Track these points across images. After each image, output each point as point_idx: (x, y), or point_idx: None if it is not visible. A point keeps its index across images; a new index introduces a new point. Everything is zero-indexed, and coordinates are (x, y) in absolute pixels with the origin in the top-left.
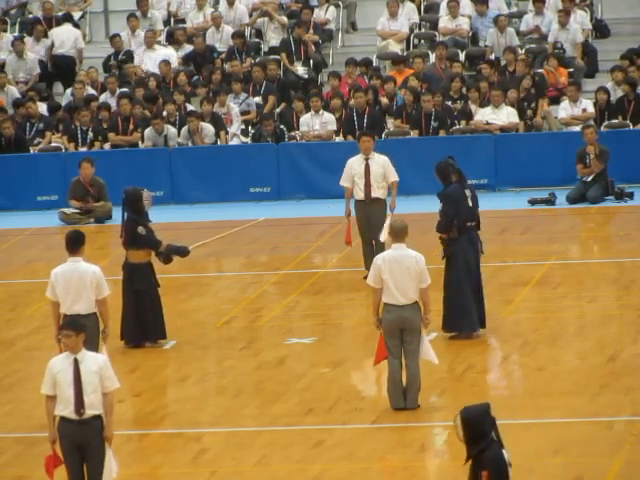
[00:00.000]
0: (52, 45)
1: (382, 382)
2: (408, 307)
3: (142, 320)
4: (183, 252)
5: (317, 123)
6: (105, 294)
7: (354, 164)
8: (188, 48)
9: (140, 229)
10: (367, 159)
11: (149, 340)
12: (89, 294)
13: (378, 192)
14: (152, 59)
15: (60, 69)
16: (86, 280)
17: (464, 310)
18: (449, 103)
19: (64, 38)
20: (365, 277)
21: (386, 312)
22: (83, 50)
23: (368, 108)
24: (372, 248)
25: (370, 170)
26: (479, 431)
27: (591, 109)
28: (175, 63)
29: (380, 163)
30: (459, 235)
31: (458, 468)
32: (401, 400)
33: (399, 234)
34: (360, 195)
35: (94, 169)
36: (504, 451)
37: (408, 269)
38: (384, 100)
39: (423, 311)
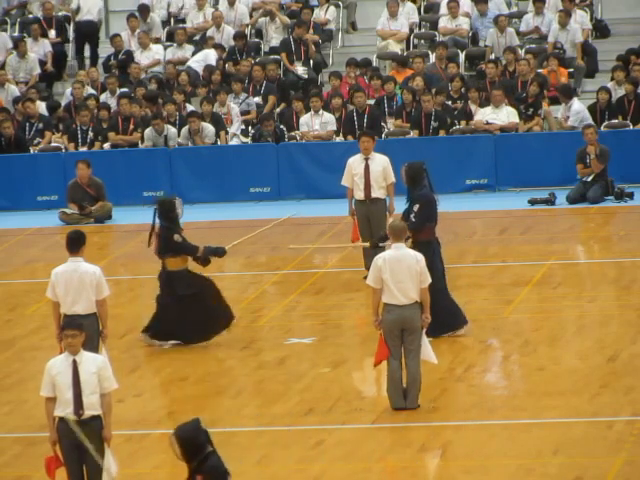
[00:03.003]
0: (77, 11)
1: (382, 382)
2: (409, 307)
3: (188, 320)
4: (221, 253)
5: (317, 123)
6: (105, 295)
7: (354, 164)
8: (189, 48)
9: (176, 237)
10: (367, 159)
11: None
12: (89, 294)
13: (378, 192)
14: (148, 59)
15: (84, 34)
16: (86, 280)
17: (451, 310)
18: (449, 103)
19: (90, 5)
20: (365, 277)
21: (387, 312)
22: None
23: (368, 108)
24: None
25: (370, 170)
26: (195, 446)
27: (576, 117)
28: (214, 62)
29: (380, 163)
30: (433, 238)
31: (458, 468)
32: (401, 400)
33: (398, 234)
34: (360, 195)
35: (91, 169)
36: (225, 464)
37: (409, 269)
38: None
39: (423, 311)
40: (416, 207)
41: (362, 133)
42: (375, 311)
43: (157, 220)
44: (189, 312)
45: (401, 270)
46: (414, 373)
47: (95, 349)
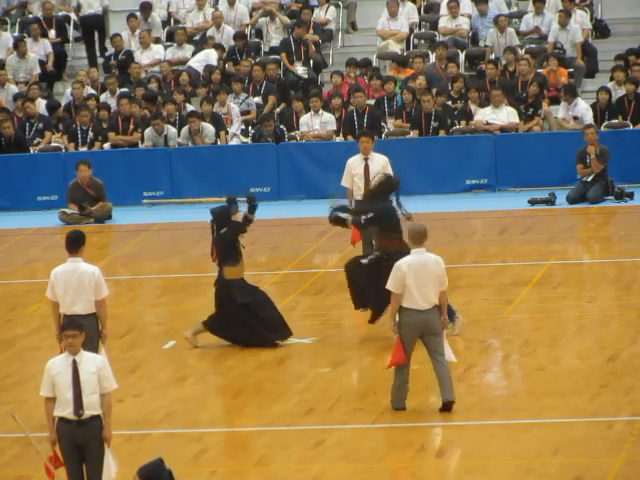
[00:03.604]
0: (79, 8)
1: (382, 382)
2: (429, 311)
3: (242, 326)
4: (253, 203)
5: (317, 123)
6: (104, 295)
7: (354, 164)
8: (189, 48)
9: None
10: (366, 159)
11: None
12: (88, 295)
13: None
14: (149, 58)
15: (90, 28)
16: (85, 281)
17: None
18: (449, 103)
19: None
20: None
21: (406, 316)
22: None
23: (368, 108)
24: (372, 248)
25: (370, 170)
26: None
27: (588, 116)
28: (214, 62)
29: (379, 163)
30: (403, 249)
31: (458, 468)
32: (403, 401)
33: (419, 238)
34: (359, 195)
35: (91, 170)
36: None
37: (431, 272)
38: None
39: (441, 313)
40: (370, 215)
41: (361, 133)
42: (394, 316)
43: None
44: (245, 318)
45: (424, 274)
46: (446, 369)
47: (95, 349)
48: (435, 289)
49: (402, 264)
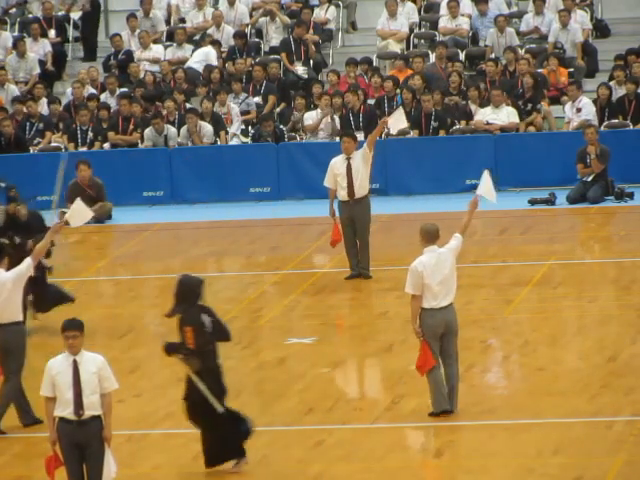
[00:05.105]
0: None
1: (382, 382)
2: (450, 308)
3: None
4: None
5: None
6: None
7: (336, 164)
8: (188, 48)
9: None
10: (349, 159)
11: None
12: (9, 302)
13: (361, 191)
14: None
15: (96, 12)
16: (6, 289)
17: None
18: (448, 101)
19: None
20: (346, 278)
21: (429, 317)
22: None
23: (363, 107)
24: (356, 249)
25: (352, 169)
26: None
27: (590, 110)
28: (214, 60)
29: (359, 158)
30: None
31: (458, 468)
32: (446, 403)
33: (431, 236)
34: (343, 195)
35: (91, 170)
36: None
37: (447, 267)
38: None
39: None
40: None
41: (344, 134)
42: (415, 319)
43: None
44: None
45: (441, 271)
46: (456, 379)
47: (20, 363)
48: (454, 284)
49: (418, 264)
